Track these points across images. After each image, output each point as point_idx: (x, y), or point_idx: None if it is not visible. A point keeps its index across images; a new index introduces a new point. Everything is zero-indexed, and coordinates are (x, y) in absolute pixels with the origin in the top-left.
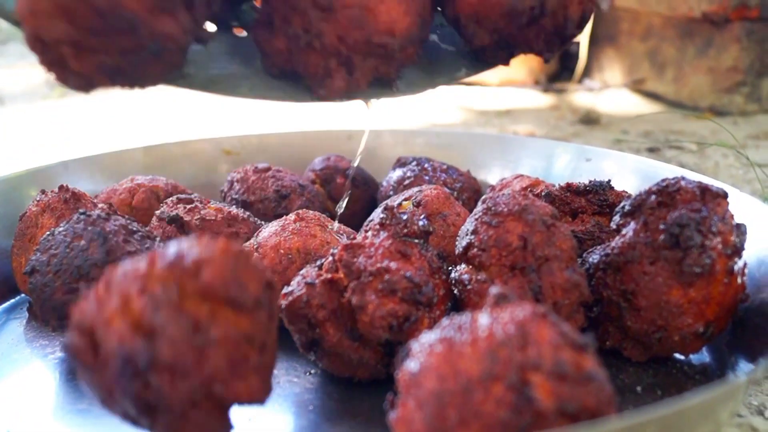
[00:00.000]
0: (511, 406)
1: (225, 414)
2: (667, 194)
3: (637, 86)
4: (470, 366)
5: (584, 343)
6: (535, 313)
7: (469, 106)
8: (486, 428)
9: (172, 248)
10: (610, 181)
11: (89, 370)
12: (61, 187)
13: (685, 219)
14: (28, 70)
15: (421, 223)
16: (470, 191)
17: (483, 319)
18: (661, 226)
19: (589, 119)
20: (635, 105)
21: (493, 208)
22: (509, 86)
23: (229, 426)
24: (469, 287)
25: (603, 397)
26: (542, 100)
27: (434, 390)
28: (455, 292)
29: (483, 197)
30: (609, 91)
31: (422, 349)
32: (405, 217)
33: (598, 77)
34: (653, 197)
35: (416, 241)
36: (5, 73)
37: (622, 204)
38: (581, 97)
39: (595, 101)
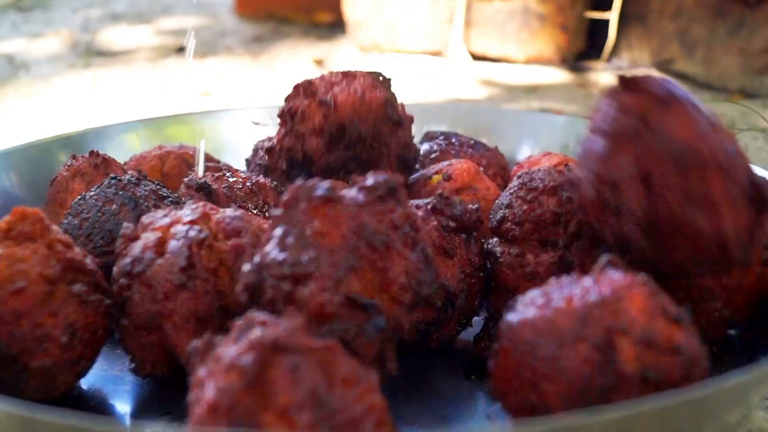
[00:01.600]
0: (595, 366)
1: (166, 357)
2: None
3: (665, 66)
4: (563, 322)
5: (679, 316)
6: (634, 280)
7: (495, 82)
8: (569, 384)
9: (239, 212)
10: None
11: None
12: (91, 153)
13: None
14: (53, 38)
15: (474, 219)
16: (497, 167)
17: (586, 281)
18: None
19: None
20: None
21: (528, 184)
22: (535, 63)
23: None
24: (501, 260)
25: (691, 371)
26: (569, 78)
27: (528, 341)
28: (487, 264)
29: (519, 173)
30: (637, 71)
31: (524, 302)
32: (459, 208)
33: (626, 56)
34: None
35: (463, 234)
36: (31, 40)
37: None
38: (609, 76)
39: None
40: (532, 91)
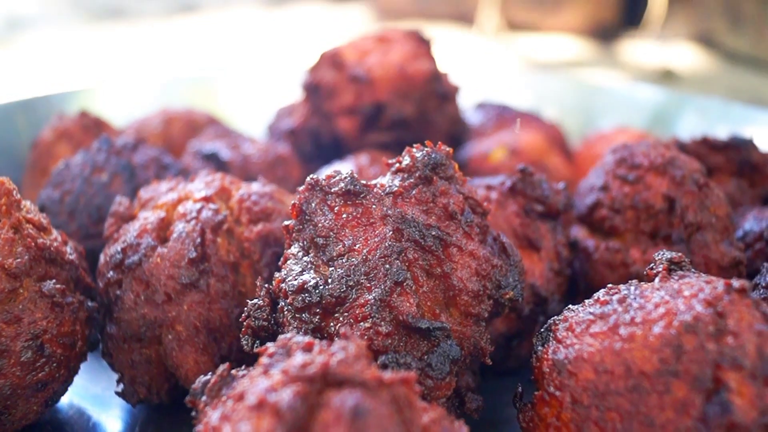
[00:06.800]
0: (698, 415)
1: (166, 379)
2: None
3: (709, 41)
4: (643, 356)
5: None
6: (729, 288)
7: (531, 58)
8: None
9: (269, 187)
10: (752, 138)
11: None
12: (81, 113)
13: None
14: None
15: (563, 201)
16: (558, 144)
17: (657, 293)
18: None
19: (666, 77)
20: (708, 61)
21: (629, 160)
22: (564, 34)
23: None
24: (595, 257)
25: None
26: (603, 52)
27: (592, 386)
28: (575, 263)
29: (613, 147)
30: (676, 46)
31: (573, 329)
32: (545, 189)
33: (665, 29)
34: None
35: (549, 222)
36: None
37: None
38: (646, 51)
39: (662, 56)
40: (569, 67)
